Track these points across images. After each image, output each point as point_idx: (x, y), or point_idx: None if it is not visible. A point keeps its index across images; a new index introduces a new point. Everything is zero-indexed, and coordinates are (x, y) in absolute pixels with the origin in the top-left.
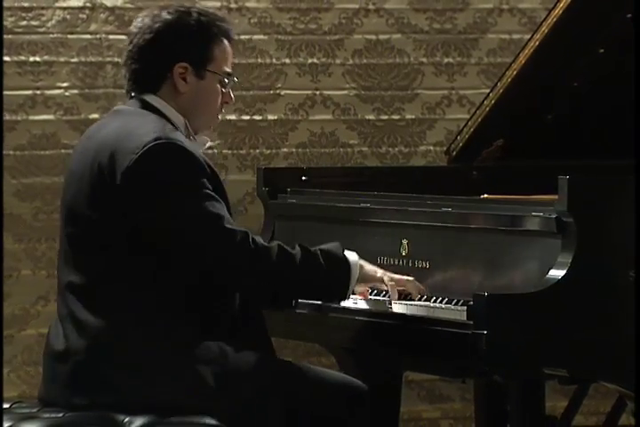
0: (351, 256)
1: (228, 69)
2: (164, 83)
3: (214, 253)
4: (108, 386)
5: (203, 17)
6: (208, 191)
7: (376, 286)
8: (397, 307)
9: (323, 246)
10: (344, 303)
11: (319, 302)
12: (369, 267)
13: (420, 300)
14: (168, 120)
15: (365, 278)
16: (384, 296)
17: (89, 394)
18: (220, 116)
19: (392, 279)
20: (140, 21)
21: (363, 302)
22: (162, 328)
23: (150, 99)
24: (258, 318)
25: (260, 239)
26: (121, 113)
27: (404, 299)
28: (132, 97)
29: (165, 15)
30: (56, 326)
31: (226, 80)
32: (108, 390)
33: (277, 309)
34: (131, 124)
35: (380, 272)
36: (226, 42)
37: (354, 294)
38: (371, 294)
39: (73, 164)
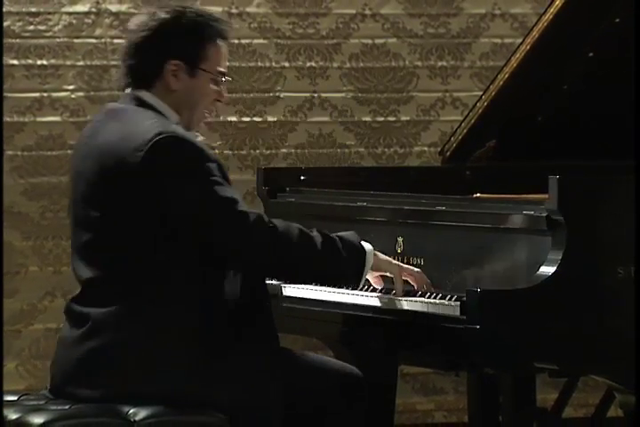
0: (367, 245)
1: (222, 69)
2: (158, 80)
3: (234, 235)
4: (112, 370)
5: (198, 17)
6: (217, 178)
7: (386, 274)
8: (393, 302)
9: (340, 233)
10: (342, 298)
11: (321, 300)
12: (383, 256)
13: (415, 295)
14: (163, 116)
15: (379, 266)
16: (381, 292)
17: (96, 379)
18: (212, 114)
19: (403, 269)
20: (137, 19)
21: (359, 297)
22: (172, 315)
23: (145, 96)
24: (265, 308)
25: (278, 220)
26: (117, 113)
27: (405, 295)
28: (125, 92)
29: (162, 14)
30: (69, 311)
31: (219, 79)
32: (113, 375)
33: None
34: (130, 124)
35: (393, 262)
36: (220, 42)
37: (367, 281)
38: (367, 291)
39: (77, 167)
